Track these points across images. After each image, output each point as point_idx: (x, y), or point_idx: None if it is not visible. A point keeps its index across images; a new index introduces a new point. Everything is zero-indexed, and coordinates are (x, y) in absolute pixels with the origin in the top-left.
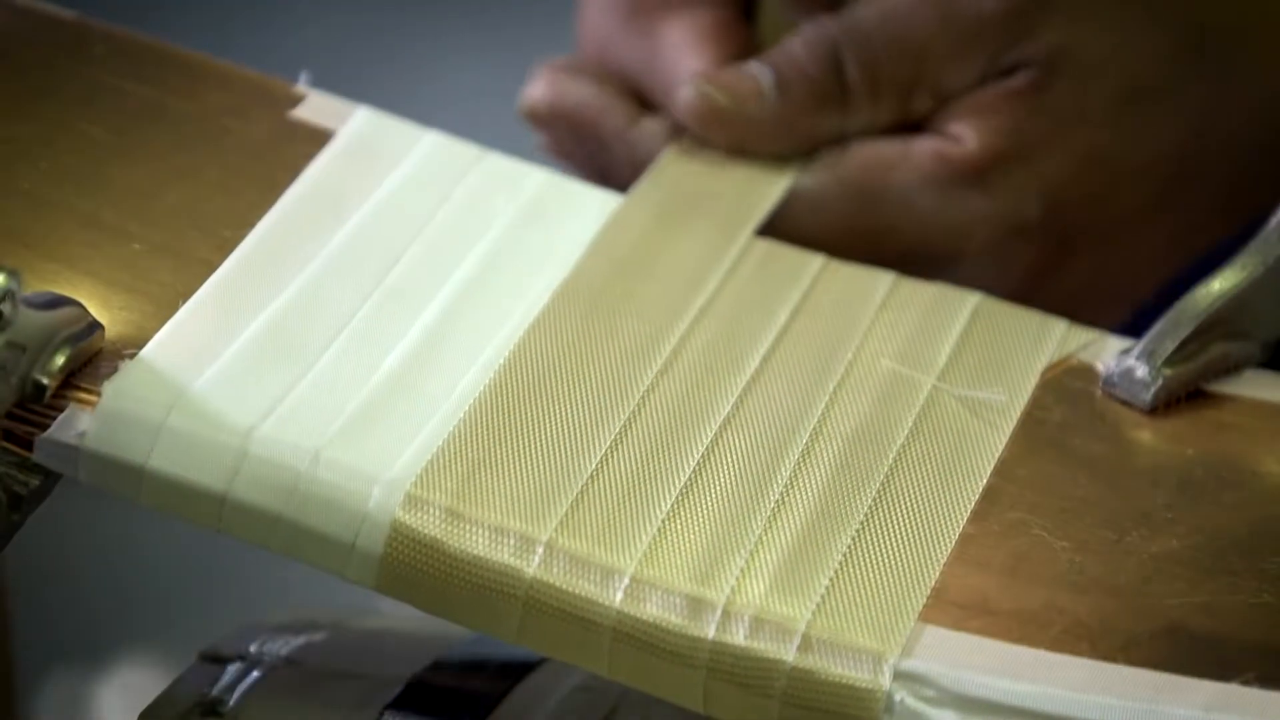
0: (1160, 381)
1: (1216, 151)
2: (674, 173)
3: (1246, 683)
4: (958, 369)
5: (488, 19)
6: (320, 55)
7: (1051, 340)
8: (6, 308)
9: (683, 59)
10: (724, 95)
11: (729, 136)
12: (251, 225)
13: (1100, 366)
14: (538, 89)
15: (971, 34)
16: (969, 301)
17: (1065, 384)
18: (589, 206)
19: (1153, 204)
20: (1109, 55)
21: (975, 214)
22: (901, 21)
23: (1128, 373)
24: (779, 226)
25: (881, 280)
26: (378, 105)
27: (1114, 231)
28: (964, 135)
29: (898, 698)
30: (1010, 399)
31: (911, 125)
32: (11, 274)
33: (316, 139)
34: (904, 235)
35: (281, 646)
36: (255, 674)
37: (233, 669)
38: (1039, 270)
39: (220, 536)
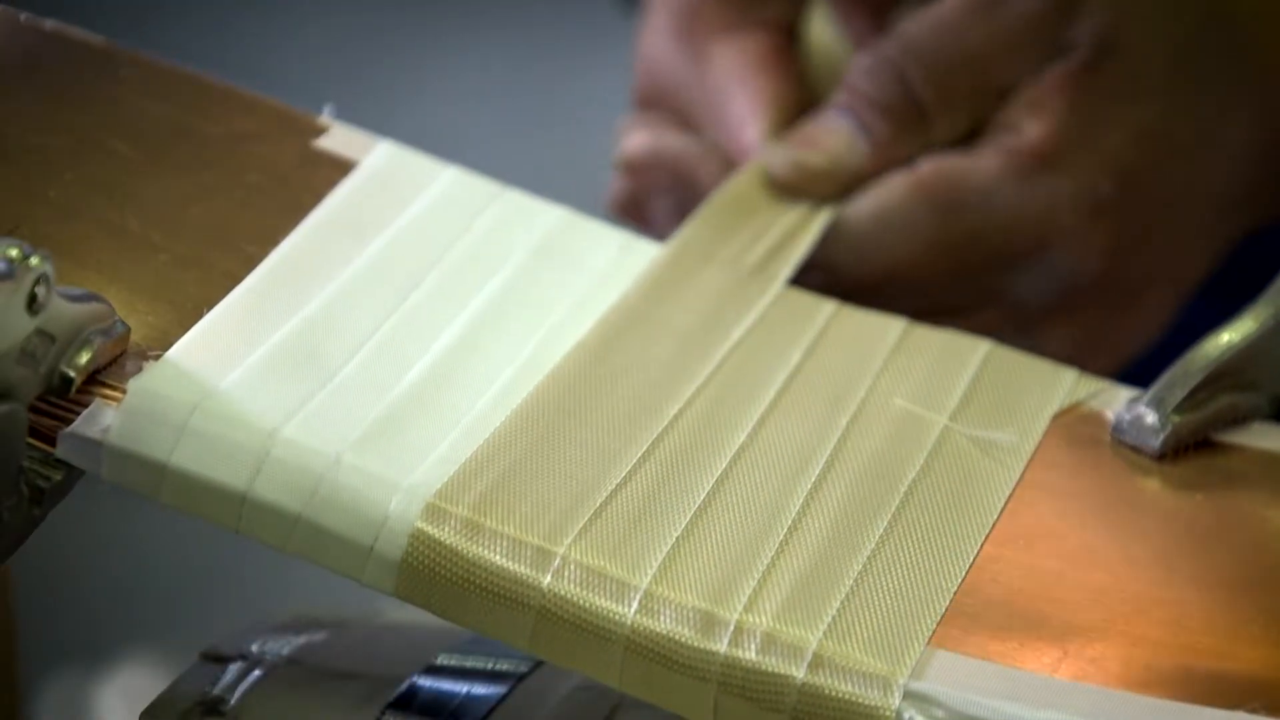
0: (1169, 428)
1: (1238, 139)
2: (722, 210)
3: (1253, 711)
4: (969, 411)
5: (486, 19)
6: (321, 55)
7: (1062, 387)
8: (41, 291)
9: (731, 85)
10: (817, 155)
11: (829, 189)
12: (275, 243)
13: (1110, 414)
14: (639, 137)
15: (1022, 30)
16: (980, 348)
17: (1075, 429)
18: (605, 242)
19: (1200, 181)
20: (1148, 36)
21: (1055, 198)
22: (955, 32)
23: (1137, 419)
24: (867, 251)
25: (893, 326)
26: (377, 105)
27: (1174, 208)
28: (1025, 126)
29: (907, 716)
30: (1021, 440)
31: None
32: (46, 258)
33: (339, 168)
34: (989, 238)
35: (283, 646)
36: (256, 673)
37: (234, 668)
38: (1117, 250)
39: (220, 537)
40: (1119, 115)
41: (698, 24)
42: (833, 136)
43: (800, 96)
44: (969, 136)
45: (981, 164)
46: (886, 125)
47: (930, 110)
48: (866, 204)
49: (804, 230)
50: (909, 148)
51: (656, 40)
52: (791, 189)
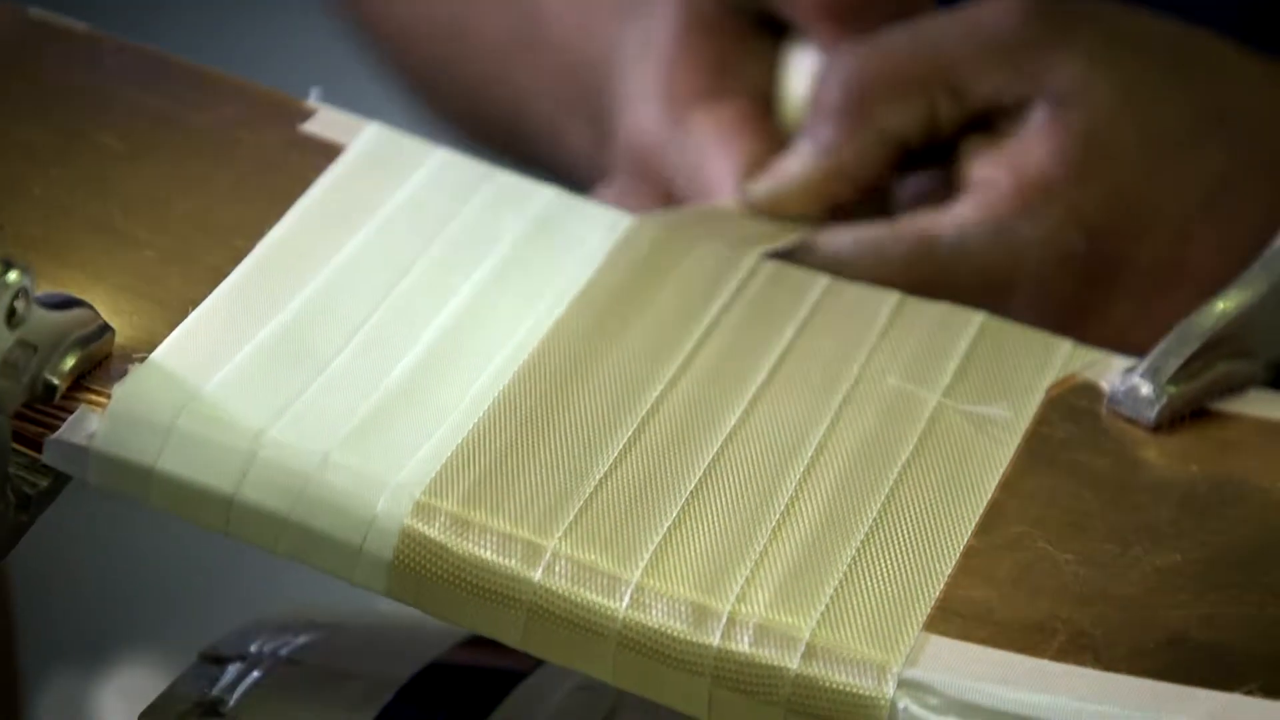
0: (1165, 399)
1: (1231, 222)
2: (700, 211)
3: (1250, 693)
4: (963, 386)
5: None
6: (312, 44)
7: (1057, 358)
8: (20, 305)
9: (709, 148)
10: (772, 180)
11: (798, 207)
12: (262, 234)
13: (1105, 384)
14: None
15: (994, 47)
16: (974, 320)
17: (1070, 401)
18: (597, 223)
19: (1175, 258)
20: (1127, 99)
21: (1025, 241)
22: (923, 28)
23: (1132, 390)
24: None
25: (887, 299)
26: (370, 93)
27: (1145, 278)
28: (997, 178)
29: (901, 705)
30: (1015, 415)
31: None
32: (25, 271)
33: (327, 153)
34: (959, 280)
35: (281, 646)
36: (255, 674)
37: (233, 669)
38: (1083, 306)
39: (219, 537)
40: (1089, 172)
41: (677, 89)
42: (789, 159)
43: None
44: (937, 189)
45: (954, 214)
46: (830, 125)
47: (875, 98)
48: (845, 234)
49: (785, 230)
50: (860, 143)
51: (638, 105)
52: (766, 210)
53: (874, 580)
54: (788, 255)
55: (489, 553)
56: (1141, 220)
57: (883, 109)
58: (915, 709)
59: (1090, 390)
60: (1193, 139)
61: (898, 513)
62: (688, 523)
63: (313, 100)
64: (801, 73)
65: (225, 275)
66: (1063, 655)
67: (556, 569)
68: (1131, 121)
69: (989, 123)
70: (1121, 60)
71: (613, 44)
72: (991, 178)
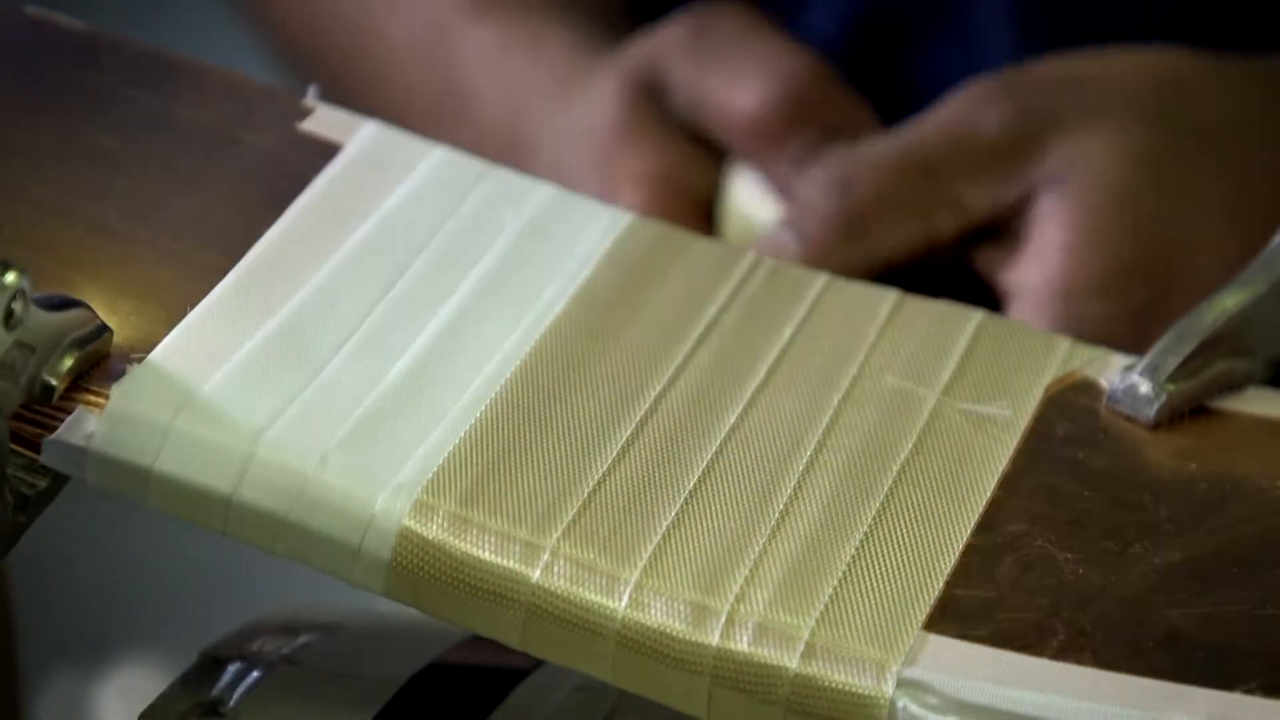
0: (1164, 397)
1: (1252, 243)
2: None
3: (1249, 691)
4: (962, 384)
5: None
6: None
7: (1056, 356)
8: (17, 306)
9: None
10: None
11: None
12: (259, 234)
13: (1104, 382)
14: None
15: (983, 153)
16: (973, 319)
17: (1069, 399)
18: (595, 221)
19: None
20: (1128, 153)
21: (1097, 314)
22: (912, 145)
23: (1131, 388)
24: None
25: (886, 297)
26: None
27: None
28: (1032, 276)
29: (900, 704)
30: (1014, 413)
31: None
32: (22, 272)
33: (324, 151)
34: None
35: (281, 646)
36: (255, 674)
37: (233, 669)
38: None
39: (219, 537)
40: (1115, 224)
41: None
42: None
43: None
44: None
45: None
46: (821, 227)
47: (870, 217)
48: None
49: None
50: (849, 253)
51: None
52: None
53: (873, 579)
54: None
55: (487, 552)
56: (1172, 265)
57: (879, 230)
58: (914, 708)
59: (1089, 388)
60: (1205, 170)
61: (897, 512)
62: (687, 522)
63: (310, 99)
64: (743, 195)
65: (223, 275)
66: (1062, 654)
67: (555, 568)
68: (1139, 172)
69: (997, 228)
70: (1112, 117)
71: (540, 127)
72: (1027, 278)
